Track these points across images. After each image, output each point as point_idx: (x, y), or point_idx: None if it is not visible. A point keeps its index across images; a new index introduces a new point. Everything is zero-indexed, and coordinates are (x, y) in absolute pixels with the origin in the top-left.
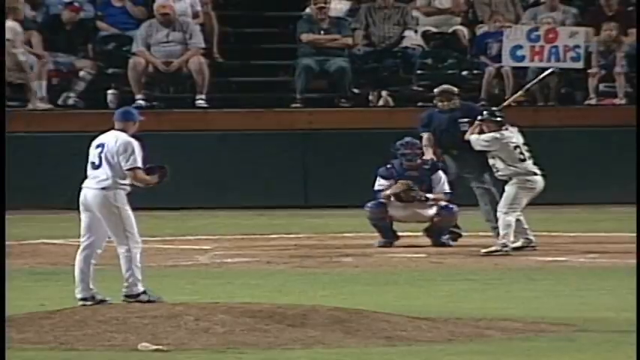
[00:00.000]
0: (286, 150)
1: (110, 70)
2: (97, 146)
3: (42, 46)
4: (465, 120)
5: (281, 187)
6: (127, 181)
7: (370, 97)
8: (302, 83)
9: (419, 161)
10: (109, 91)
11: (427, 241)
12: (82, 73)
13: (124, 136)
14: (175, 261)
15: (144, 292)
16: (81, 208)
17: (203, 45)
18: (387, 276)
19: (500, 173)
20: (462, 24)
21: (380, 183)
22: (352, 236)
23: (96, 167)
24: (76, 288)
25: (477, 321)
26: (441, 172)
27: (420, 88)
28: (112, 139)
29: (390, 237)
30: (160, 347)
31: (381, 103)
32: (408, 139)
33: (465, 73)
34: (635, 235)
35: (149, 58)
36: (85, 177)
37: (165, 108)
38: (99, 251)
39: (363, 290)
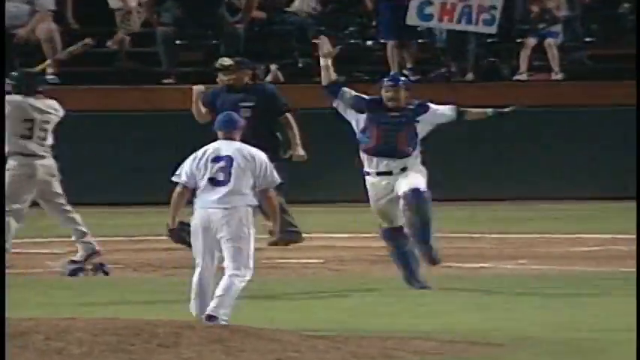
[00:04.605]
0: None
1: None
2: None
3: None
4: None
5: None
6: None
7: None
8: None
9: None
10: None
11: (322, 243)
12: None
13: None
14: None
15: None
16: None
17: (53, 7)
18: (277, 285)
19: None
20: None
21: None
22: None
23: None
24: None
25: (385, 340)
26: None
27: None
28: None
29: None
30: None
31: (269, 78)
32: None
33: (369, 43)
34: (592, 235)
35: None
36: None
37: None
38: None
39: (247, 302)
